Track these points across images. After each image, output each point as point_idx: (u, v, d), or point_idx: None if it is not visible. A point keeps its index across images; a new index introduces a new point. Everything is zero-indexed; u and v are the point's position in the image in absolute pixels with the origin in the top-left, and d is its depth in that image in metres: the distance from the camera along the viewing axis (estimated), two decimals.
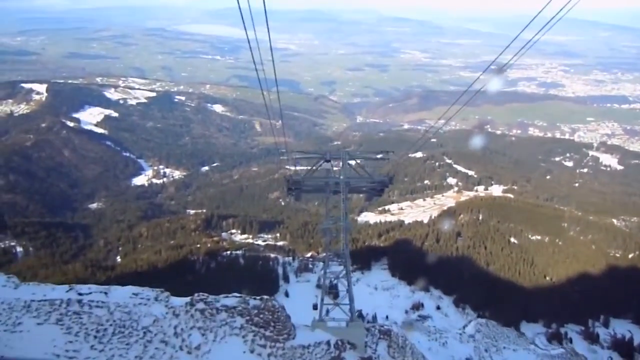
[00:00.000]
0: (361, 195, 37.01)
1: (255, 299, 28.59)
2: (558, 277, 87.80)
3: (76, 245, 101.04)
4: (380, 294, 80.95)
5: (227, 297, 28.95)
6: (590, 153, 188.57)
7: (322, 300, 29.14)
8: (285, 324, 28.28)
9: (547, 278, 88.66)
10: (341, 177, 27.33)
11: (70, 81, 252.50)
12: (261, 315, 27.57)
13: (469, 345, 46.62)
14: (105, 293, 26.16)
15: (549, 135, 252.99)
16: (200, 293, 28.93)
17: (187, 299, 28.18)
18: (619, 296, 79.04)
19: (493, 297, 78.04)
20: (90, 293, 25.77)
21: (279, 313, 28.44)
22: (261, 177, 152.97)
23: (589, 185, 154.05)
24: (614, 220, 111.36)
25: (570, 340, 72.91)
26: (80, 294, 25.47)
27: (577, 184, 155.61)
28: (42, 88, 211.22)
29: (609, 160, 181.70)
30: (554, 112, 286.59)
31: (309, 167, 28.01)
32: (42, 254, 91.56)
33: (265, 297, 29.22)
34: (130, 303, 25.86)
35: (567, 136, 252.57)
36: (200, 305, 27.46)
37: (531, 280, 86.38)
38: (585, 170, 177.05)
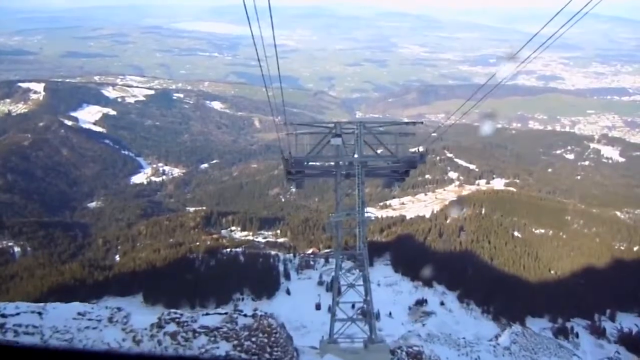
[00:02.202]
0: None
1: (246, 315, 22.60)
2: (563, 271, 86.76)
3: (74, 244, 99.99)
4: (383, 290, 79.83)
5: (207, 314, 22.81)
6: (592, 145, 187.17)
7: (334, 314, 23.22)
8: (285, 348, 22.56)
9: (552, 272, 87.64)
10: (355, 155, 21.71)
11: (68, 80, 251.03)
12: (253, 339, 21.70)
13: (504, 359, 41.24)
14: (40, 313, 20.27)
15: (549, 128, 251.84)
16: (172, 310, 22.67)
17: (154, 318, 22.23)
18: (625, 289, 78.05)
19: (498, 292, 77.02)
20: (18, 314, 19.82)
21: (277, 334, 22.57)
22: (261, 174, 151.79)
23: (591, 178, 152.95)
24: (618, 213, 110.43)
25: (577, 335, 71.91)
26: (3, 316, 19.59)
27: (579, 177, 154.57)
28: (39, 87, 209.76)
29: (611, 153, 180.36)
30: (553, 105, 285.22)
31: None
32: (40, 253, 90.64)
33: (259, 312, 23.17)
34: (73, 326, 20.21)
35: (567, 129, 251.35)
36: (171, 328, 21.34)
37: (536, 275, 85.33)
38: (587, 162, 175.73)
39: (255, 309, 23.89)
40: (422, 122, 23.32)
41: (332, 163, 22.48)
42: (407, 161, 21.63)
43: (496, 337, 50.97)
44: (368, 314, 22.83)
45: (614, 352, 68.08)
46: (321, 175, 25.31)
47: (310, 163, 22.26)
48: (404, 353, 26.83)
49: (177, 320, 21.76)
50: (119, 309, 21.75)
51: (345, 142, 21.70)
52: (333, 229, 23.60)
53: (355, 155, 21.67)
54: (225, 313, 22.75)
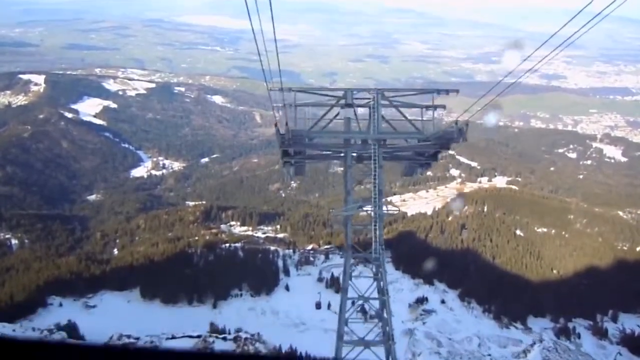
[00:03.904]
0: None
1: (225, 339, 16.71)
2: (565, 270, 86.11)
3: (73, 237, 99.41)
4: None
5: (173, 337, 16.07)
6: (594, 145, 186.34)
7: (341, 337, 17.84)
8: None
9: (554, 271, 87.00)
10: (371, 131, 17.00)
11: (69, 72, 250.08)
12: None
13: None
14: None
15: (552, 126, 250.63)
16: (123, 334, 15.16)
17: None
18: (628, 290, 77.36)
19: (499, 291, 76.34)
20: None
21: None
22: (261, 169, 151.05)
23: (593, 177, 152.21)
24: (620, 213, 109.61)
25: (579, 336, 71.27)
26: None
27: (581, 176, 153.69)
28: (40, 79, 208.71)
29: (613, 152, 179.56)
30: (556, 104, 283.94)
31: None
32: (37, 246, 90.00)
33: (243, 334, 17.05)
34: None
35: (569, 128, 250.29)
36: None
37: (538, 274, 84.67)
38: (589, 162, 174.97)
39: (239, 330, 19.21)
40: (457, 91, 18.07)
41: (341, 141, 17.88)
42: (439, 139, 16.73)
43: (525, 352, 45.71)
44: (386, 337, 17.65)
45: (616, 353, 67.53)
46: (327, 158, 20.55)
47: (312, 141, 17.70)
48: None
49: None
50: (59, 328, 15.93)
51: (357, 116, 17.45)
52: (342, 224, 18.97)
53: (372, 131, 16.96)
54: (199, 336, 17.38)
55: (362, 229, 18.89)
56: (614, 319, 77.01)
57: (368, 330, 18.77)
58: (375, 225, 17.09)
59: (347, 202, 17.56)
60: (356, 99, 17.23)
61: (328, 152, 18.98)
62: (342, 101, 17.17)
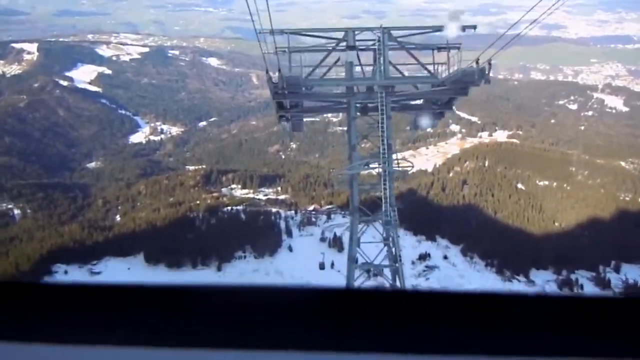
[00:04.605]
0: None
1: None
2: (567, 222, 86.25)
3: (74, 205, 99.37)
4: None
5: None
6: (595, 95, 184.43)
7: None
8: None
9: (556, 224, 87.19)
10: (377, 77, 14.74)
11: (61, 39, 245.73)
12: None
13: None
14: None
15: (552, 78, 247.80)
16: None
17: None
18: (630, 240, 77.49)
19: (501, 245, 76.58)
20: None
21: None
22: (260, 131, 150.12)
23: (594, 128, 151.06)
24: (622, 163, 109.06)
25: (582, 287, 71.89)
26: None
27: (582, 127, 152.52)
28: (32, 47, 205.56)
29: (614, 102, 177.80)
30: (556, 55, 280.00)
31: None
32: (40, 216, 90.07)
33: None
34: None
35: (570, 79, 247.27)
36: None
37: (540, 227, 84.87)
38: (590, 113, 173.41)
39: None
40: (474, 27, 15.81)
41: (343, 90, 15.41)
42: (457, 82, 14.28)
43: None
44: None
45: None
46: (327, 110, 18.00)
47: (311, 90, 15.24)
48: None
49: None
50: None
51: (360, 61, 15.16)
52: (346, 184, 16.49)
53: (378, 77, 14.50)
54: None
55: (369, 189, 16.68)
56: (617, 270, 77.45)
57: None
58: (384, 185, 14.61)
59: (352, 159, 15.23)
60: (359, 41, 14.73)
61: (329, 103, 16.55)
62: (343, 44, 14.74)
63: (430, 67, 15.20)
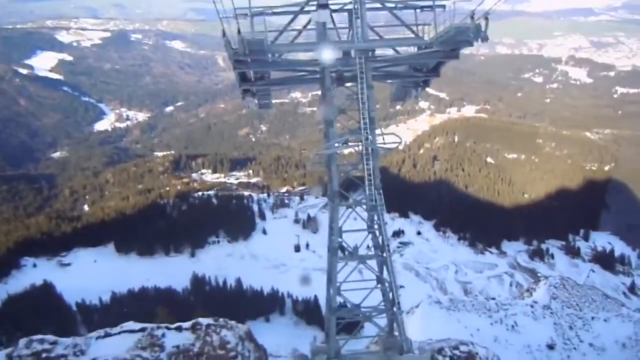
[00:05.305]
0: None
1: (180, 329, 13.52)
2: (536, 194, 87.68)
3: (41, 196, 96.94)
4: (359, 223, 79.39)
5: (108, 335, 13.09)
6: (559, 67, 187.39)
7: (332, 308, 13.56)
8: None
9: (526, 196, 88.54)
10: (355, 40, 12.24)
11: (19, 26, 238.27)
12: None
13: (546, 322, 32.14)
14: None
15: (517, 52, 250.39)
16: (33, 338, 12.69)
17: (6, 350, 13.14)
18: (598, 209, 79.41)
19: (473, 219, 77.43)
20: None
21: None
22: (229, 114, 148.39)
23: (560, 100, 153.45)
24: (588, 134, 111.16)
25: (552, 256, 73.21)
26: None
27: (548, 100, 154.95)
28: None
29: (578, 74, 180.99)
30: (521, 29, 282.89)
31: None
32: (5, 208, 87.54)
33: (204, 321, 13.77)
34: None
35: (535, 52, 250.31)
36: None
37: (510, 199, 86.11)
38: (555, 85, 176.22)
39: (203, 316, 13.16)
40: (444, 6, 12.70)
41: (316, 56, 12.50)
42: (447, 43, 12.08)
43: (529, 291, 42.27)
44: (391, 304, 13.05)
45: (589, 271, 69.63)
46: (297, 82, 14.60)
47: (279, 57, 12.57)
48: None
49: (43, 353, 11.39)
50: None
51: (335, 23, 12.65)
52: (323, 164, 14.04)
53: (356, 40, 12.21)
54: (142, 329, 13.18)
55: (350, 170, 13.68)
56: (586, 238, 79.21)
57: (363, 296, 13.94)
58: (367, 164, 12.15)
59: (330, 136, 12.79)
60: (332, 3, 12.14)
61: (300, 74, 13.75)
62: (314, 3, 12.21)
63: (414, 29, 12.81)
